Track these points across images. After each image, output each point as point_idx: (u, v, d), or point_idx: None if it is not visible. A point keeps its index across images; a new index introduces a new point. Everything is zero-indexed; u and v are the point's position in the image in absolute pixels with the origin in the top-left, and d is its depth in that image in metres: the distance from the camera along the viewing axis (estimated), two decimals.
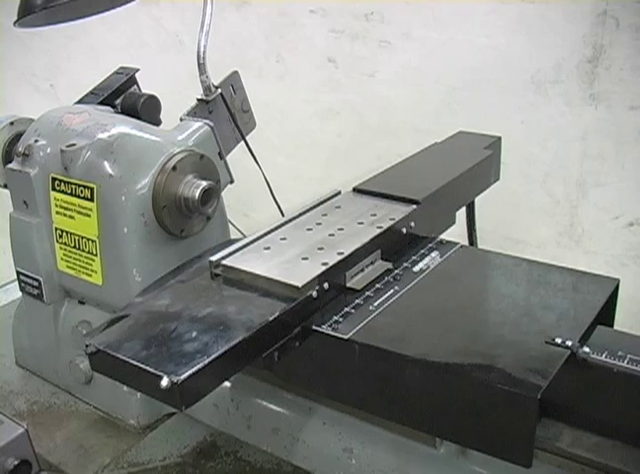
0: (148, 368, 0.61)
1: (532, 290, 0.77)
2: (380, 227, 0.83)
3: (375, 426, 0.81)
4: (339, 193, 0.95)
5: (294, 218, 0.87)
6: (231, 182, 1.05)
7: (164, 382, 0.59)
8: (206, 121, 1.00)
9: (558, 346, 0.65)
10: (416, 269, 0.81)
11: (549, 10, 1.31)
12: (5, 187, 1.02)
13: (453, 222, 0.99)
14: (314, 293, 0.72)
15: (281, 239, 0.82)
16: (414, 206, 0.88)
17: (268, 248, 0.80)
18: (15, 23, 0.97)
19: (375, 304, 0.74)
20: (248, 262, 0.77)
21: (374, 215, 0.86)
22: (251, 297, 0.72)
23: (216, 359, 0.62)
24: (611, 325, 0.77)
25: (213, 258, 0.77)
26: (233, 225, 1.10)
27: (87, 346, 0.65)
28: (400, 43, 1.51)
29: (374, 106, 1.58)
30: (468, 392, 0.63)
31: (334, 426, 0.84)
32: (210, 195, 0.91)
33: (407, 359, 0.65)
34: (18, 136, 1.02)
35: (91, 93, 1.10)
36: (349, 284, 0.77)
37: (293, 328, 0.70)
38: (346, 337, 0.68)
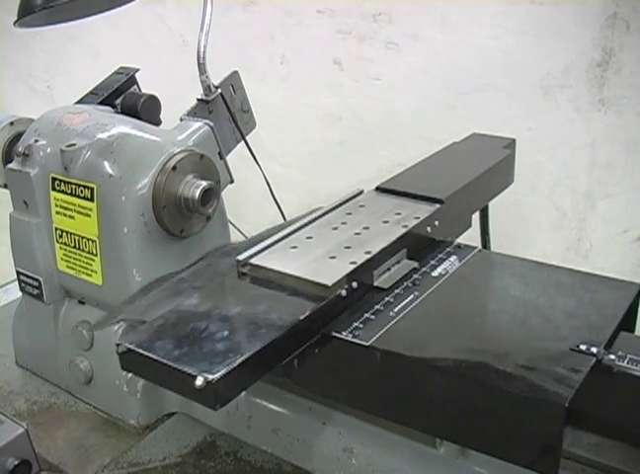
0: (182, 368, 0.60)
1: (554, 296, 0.76)
2: (406, 226, 0.83)
3: (375, 426, 0.81)
4: (361, 192, 0.95)
5: (319, 217, 0.87)
6: (231, 182, 1.05)
7: (199, 382, 0.58)
8: (206, 121, 1.00)
9: (583, 353, 0.64)
10: (435, 273, 0.80)
11: (558, 12, 1.30)
12: (5, 187, 1.02)
13: (469, 226, 0.99)
14: (343, 292, 0.72)
15: (307, 238, 0.82)
16: (438, 205, 0.88)
17: (294, 247, 0.80)
18: (15, 23, 0.97)
19: (396, 310, 0.73)
20: (275, 261, 0.76)
21: (399, 214, 0.86)
22: (280, 296, 0.72)
23: (249, 359, 0.62)
24: (632, 331, 0.75)
25: (240, 257, 0.77)
26: (233, 225, 1.10)
27: (117, 345, 0.65)
28: (407, 45, 1.49)
29: (378, 111, 1.57)
30: (493, 400, 0.62)
31: (334, 426, 0.84)
32: (210, 195, 0.91)
33: (430, 367, 0.64)
34: (18, 136, 1.02)
35: (91, 93, 1.10)
36: (376, 283, 0.77)
37: (323, 327, 0.70)
38: (367, 343, 0.67)
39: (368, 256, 0.76)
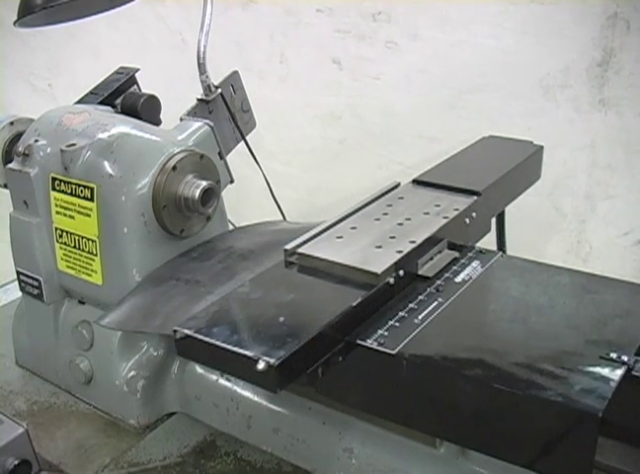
0: (243, 352, 0.61)
1: (580, 302, 0.75)
2: (446, 217, 0.85)
3: (375, 426, 0.81)
4: (398, 184, 0.97)
5: (359, 209, 0.89)
6: (231, 182, 1.05)
7: (260, 365, 0.59)
8: (206, 121, 1.00)
9: (613, 361, 0.63)
10: (458, 279, 0.79)
11: (558, 12, 1.29)
12: (5, 187, 1.02)
13: (489, 230, 0.99)
14: (391, 280, 0.73)
15: (352, 228, 0.83)
16: (475, 197, 0.90)
17: (340, 237, 0.81)
18: (15, 23, 0.97)
19: (420, 317, 0.72)
20: (323, 250, 0.77)
21: (438, 206, 0.89)
22: (329, 285, 0.73)
23: (308, 343, 0.63)
24: None
25: (288, 246, 0.78)
26: (233, 225, 1.10)
27: (175, 331, 0.65)
28: (407, 45, 1.49)
29: (377, 110, 1.56)
30: (524, 410, 0.61)
31: (334, 426, 0.83)
32: (210, 195, 0.91)
33: (458, 376, 0.63)
34: (18, 136, 1.02)
35: (91, 93, 1.10)
36: (420, 272, 0.79)
37: (370, 316, 0.71)
38: (393, 352, 0.66)
39: (414, 245, 0.77)
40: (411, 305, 0.74)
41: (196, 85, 1.05)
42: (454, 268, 0.82)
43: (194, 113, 1.03)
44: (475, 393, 0.63)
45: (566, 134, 1.35)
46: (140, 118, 1.01)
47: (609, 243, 1.37)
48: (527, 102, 1.38)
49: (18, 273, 1.01)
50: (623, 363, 0.62)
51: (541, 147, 1.11)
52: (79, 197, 0.91)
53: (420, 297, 0.76)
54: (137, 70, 1.12)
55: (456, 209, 0.87)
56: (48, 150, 0.95)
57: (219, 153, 1.02)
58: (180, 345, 0.66)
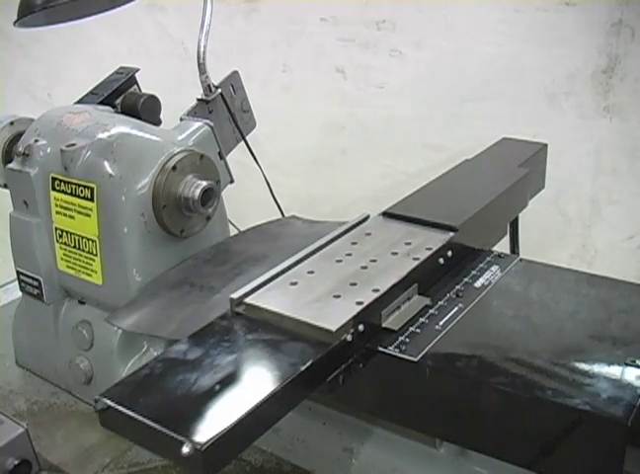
0: (167, 432, 0.53)
1: (602, 308, 0.74)
2: (417, 259, 0.75)
3: (375, 426, 0.81)
4: (367, 217, 0.87)
5: (321, 248, 0.80)
6: (231, 182, 1.06)
7: (185, 449, 0.51)
8: (206, 121, 1.00)
9: (639, 367, 0.62)
10: (477, 284, 0.77)
11: (563, 19, 1.29)
12: (5, 187, 1.03)
13: (505, 234, 0.96)
14: (349, 337, 0.65)
15: (309, 272, 0.74)
16: (451, 234, 0.80)
17: (295, 283, 0.72)
18: (15, 22, 0.97)
19: (441, 323, 0.70)
20: (274, 300, 0.69)
21: (409, 244, 0.79)
22: (278, 342, 0.65)
23: (242, 420, 0.55)
24: None
25: (235, 295, 0.70)
26: (233, 225, 1.10)
27: (96, 401, 0.59)
28: (411, 53, 1.48)
29: (381, 118, 1.56)
30: (550, 418, 0.60)
31: (334, 426, 0.84)
32: (210, 195, 0.91)
33: (482, 384, 0.62)
34: (18, 136, 1.02)
35: (91, 93, 1.10)
36: (385, 325, 0.70)
37: (327, 377, 0.65)
38: (415, 359, 0.65)
39: (377, 295, 0.69)
40: (431, 311, 0.72)
41: (197, 93, 1.04)
42: (473, 272, 0.79)
43: (194, 113, 1.03)
44: (500, 401, 0.62)
45: (571, 141, 1.35)
46: (140, 118, 1.01)
47: (614, 247, 1.37)
48: (532, 109, 1.37)
49: (18, 273, 1.01)
50: None
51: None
52: (79, 197, 0.91)
53: (440, 303, 0.73)
54: (137, 70, 1.12)
55: (429, 249, 0.77)
56: (48, 150, 0.95)
57: (219, 153, 1.02)
58: (102, 416, 0.59)
